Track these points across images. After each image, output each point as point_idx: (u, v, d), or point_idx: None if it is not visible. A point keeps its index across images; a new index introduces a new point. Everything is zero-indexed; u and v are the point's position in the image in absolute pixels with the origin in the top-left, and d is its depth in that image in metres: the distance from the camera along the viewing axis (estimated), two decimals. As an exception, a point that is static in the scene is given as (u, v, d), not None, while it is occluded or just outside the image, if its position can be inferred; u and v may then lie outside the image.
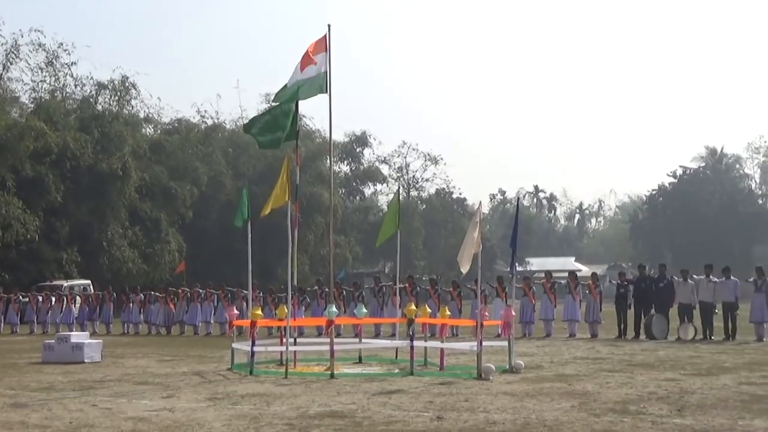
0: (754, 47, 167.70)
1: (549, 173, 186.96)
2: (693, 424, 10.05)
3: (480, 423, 10.24)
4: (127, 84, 57.22)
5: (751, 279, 25.01)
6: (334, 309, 16.61)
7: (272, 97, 20.84)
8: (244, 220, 18.92)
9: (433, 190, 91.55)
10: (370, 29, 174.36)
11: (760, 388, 13.37)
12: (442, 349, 16.83)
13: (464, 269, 15.72)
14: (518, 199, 77.35)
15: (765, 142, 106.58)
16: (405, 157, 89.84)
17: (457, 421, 10.40)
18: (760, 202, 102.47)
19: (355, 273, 70.62)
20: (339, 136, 77.64)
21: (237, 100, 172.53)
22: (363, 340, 20.15)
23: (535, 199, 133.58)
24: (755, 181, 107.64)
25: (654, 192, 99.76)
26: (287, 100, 17.01)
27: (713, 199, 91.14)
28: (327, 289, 26.26)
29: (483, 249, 16.48)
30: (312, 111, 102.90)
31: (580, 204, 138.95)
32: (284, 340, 17.10)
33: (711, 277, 25.10)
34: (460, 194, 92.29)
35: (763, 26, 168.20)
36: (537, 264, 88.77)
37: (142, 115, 60.34)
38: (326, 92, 16.92)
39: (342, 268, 60.41)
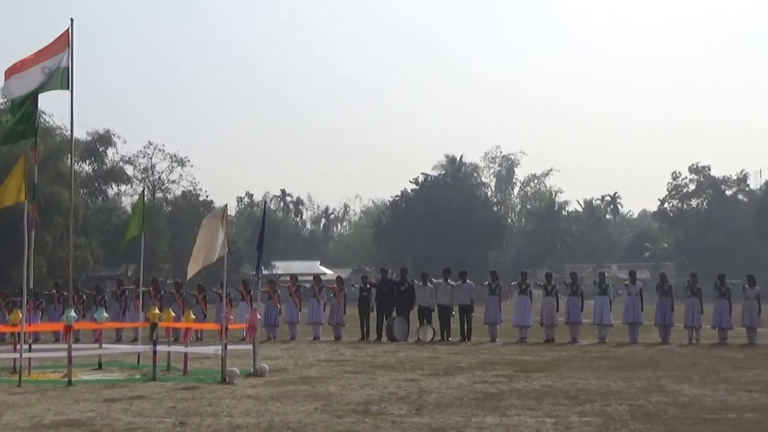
0: (489, 63, 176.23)
1: (296, 178, 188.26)
2: (430, 422, 10.42)
3: (223, 427, 10.15)
4: None
5: (486, 282, 26.29)
6: (72, 313, 15.94)
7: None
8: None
9: (179, 192, 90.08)
10: (114, 24, 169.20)
11: (492, 386, 14.04)
12: (185, 354, 16.57)
13: (189, 275, 15.70)
14: (265, 202, 77.65)
15: (500, 152, 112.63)
16: (151, 158, 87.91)
17: (200, 426, 10.27)
18: (496, 209, 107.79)
19: (96, 276, 68.19)
20: (81, 134, 74.76)
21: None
22: (103, 346, 19.47)
23: (282, 203, 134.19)
24: (491, 189, 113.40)
25: (397, 198, 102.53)
26: (26, 97, 16.19)
27: (452, 206, 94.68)
28: (66, 293, 25.23)
29: (229, 252, 16.35)
30: (53, 107, 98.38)
31: (326, 208, 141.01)
32: (18, 346, 16.27)
33: (449, 280, 26.14)
34: (207, 197, 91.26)
35: (490, 49, 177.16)
36: (283, 267, 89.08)
37: None
38: (67, 88, 16.26)
39: (83, 271, 58.11)
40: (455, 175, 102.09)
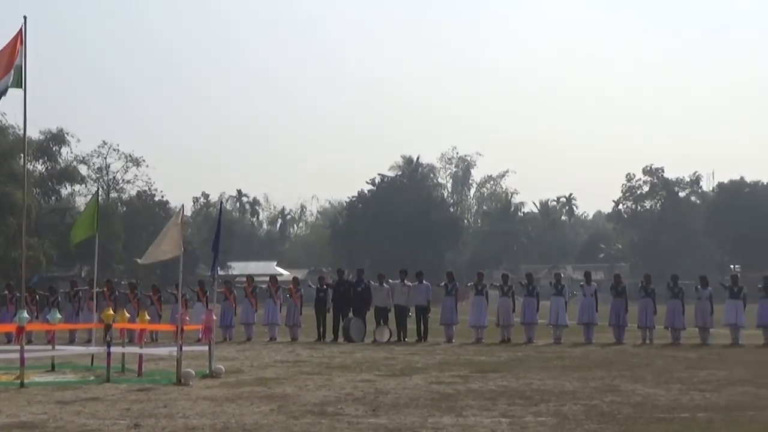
0: (446, 64, 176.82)
1: (252, 178, 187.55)
2: (387, 423, 10.43)
3: (179, 429, 10.09)
4: None
5: (442, 283, 26.37)
6: (25, 314, 15.76)
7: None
8: None
9: (134, 192, 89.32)
10: (68, 21, 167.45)
11: (448, 386, 14.09)
12: (140, 355, 16.44)
13: (142, 262, 15.64)
14: (221, 203, 77.19)
15: (457, 153, 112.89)
16: (105, 158, 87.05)
17: (155, 427, 10.19)
18: (452, 210, 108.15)
19: (49, 276, 67.40)
20: (34, 133, 73.80)
21: None
22: (56, 347, 19.24)
23: (238, 204, 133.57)
24: (447, 190, 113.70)
25: (353, 199, 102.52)
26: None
27: (409, 206, 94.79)
28: (18, 294, 24.92)
29: (185, 253, 16.25)
30: (5, 105, 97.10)
31: (283, 209, 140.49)
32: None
33: (405, 281, 26.19)
34: (163, 197, 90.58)
35: (449, 50, 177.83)
36: (239, 268, 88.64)
37: None
38: (21, 87, 16.06)
39: (36, 272, 57.37)
40: (412, 176, 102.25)
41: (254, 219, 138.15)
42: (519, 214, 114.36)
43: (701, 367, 17.54)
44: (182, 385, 14.37)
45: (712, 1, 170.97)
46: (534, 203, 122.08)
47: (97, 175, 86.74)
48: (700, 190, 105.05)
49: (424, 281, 26.29)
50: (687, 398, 12.71)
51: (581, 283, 26.45)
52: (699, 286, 25.28)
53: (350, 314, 25.66)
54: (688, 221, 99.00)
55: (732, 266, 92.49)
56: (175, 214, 16.93)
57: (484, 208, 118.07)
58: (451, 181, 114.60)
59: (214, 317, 16.44)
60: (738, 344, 23.53)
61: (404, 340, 25.24)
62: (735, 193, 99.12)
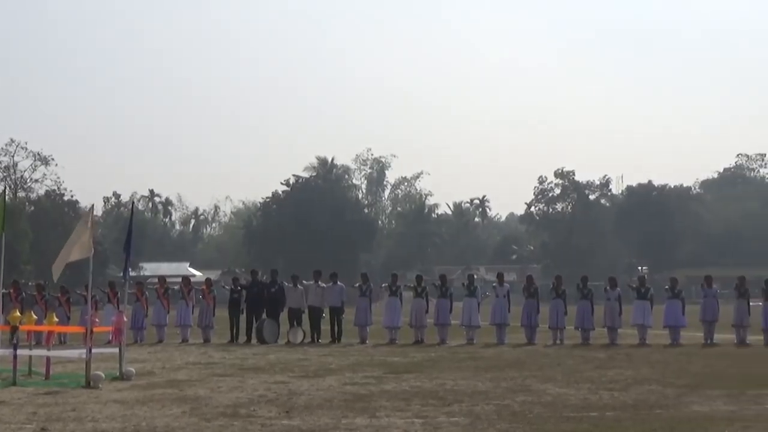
0: (361, 64, 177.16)
1: (165, 178, 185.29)
2: (300, 425, 10.40)
3: (87, 433, 9.92)
4: None
5: (357, 284, 26.40)
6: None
7: None
8: None
9: (42, 192, 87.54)
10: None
11: (362, 387, 14.11)
12: (48, 358, 16.10)
13: (55, 277, 15.33)
14: (133, 203, 76.16)
15: (372, 154, 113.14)
16: (13, 156, 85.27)
17: (63, 431, 10.00)
18: (366, 211, 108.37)
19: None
20: (-63, 131, 71.89)
21: None
22: (-40, 350, 18.76)
23: (150, 204, 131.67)
24: (362, 192, 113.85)
25: (268, 199, 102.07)
26: None
27: (323, 207, 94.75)
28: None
29: (95, 253, 15.97)
30: None
31: (196, 209, 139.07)
32: None
33: (319, 282, 26.15)
34: (72, 197, 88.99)
35: (362, 50, 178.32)
36: (151, 269, 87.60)
37: None
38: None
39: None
40: (326, 177, 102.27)
41: (167, 219, 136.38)
42: (433, 215, 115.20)
43: (610, 366, 17.88)
44: (91, 388, 14.11)
45: (619, 4, 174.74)
46: (448, 205, 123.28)
47: (4, 174, 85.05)
48: (609, 193, 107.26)
49: (338, 282, 26.28)
50: (596, 397, 12.94)
51: (494, 285, 26.74)
52: (608, 287, 25.76)
53: (264, 315, 25.51)
54: (598, 223, 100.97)
55: (640, 268, 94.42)
56: (84, 215, 16.62)
57: (399, 209, 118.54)
58: (365, 182, 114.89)
59: (125, 319, 16.21)
60: (645, 344, 24.04)
61: (318, 341, 25.19)
62: (643, 196, 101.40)
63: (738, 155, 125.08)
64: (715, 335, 24.85)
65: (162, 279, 28.74)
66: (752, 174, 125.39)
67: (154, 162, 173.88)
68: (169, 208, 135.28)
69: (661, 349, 22.66)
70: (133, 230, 17.24)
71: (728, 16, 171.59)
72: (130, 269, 16.74)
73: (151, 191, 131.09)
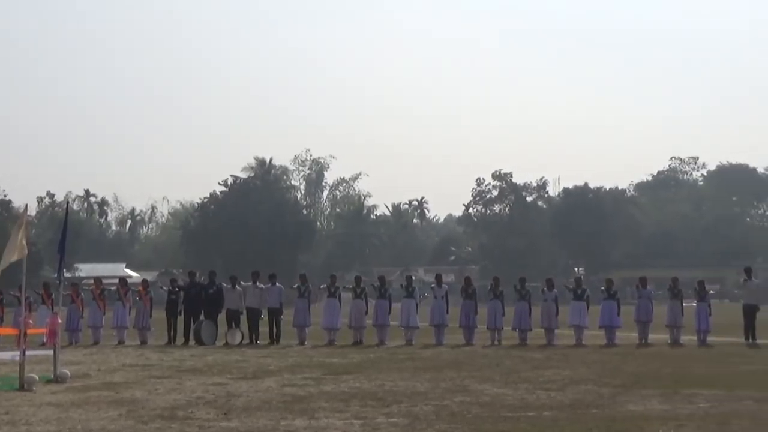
0: (295, 64, 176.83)
1: (100, 178, 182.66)
2: (238, 427, 10.35)
3: (21, 436, 9.77)
4: None
5: (295, 285, 26.34)
6: None
7: None
8: None
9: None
10: None
11: (301, 389, 14.09)
12: (-20, 360, 15.83)
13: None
14: (67, 203, 75.09)
15: (310, 155, 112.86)
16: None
17: (-4, 435, 9.85)
18: (305, 212, 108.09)
19: None
20: None
21: None
22: None
23: (85, 204, 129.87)
24: (301, 193, 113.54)
25: (206, 200, 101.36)
26: None
27: (262, 208, 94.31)
28: None
29: (29, 254, 15.71)
30: None
31: (133, 210, 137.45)
32: None
33: (258, 283, 26.04)
34: (5, 196, 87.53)
35: (294, 50, 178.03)
36: (86, 270, 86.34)
37: None
38: None
39: None
40: (265, 178, 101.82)
41: (102, 220, 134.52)
42: (372, 216, 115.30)
43: (547, 367, 18.07)
44: (25, 390, 13.90)
45: (555, 2, 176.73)
46: (386, 206, 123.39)
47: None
48: (546, 195, 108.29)
49: (276, 283, 26.20)
50: (533, 397, 13.07)
51: (432, 286, 26.85)
52: (545, 288, 26.04)
53: (202, 317, 25.35)
54: (536, 225, 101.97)
55: (576, 269, 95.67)
56: (19, 216, 16.37)
57: (338, 210, 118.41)
58: (304, 183, 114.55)
59: (60, 320, 15.96)
60: (581, 344, 24.32)
61: (257, 342, 25.09)
62: (579, 198, 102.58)
63: (671, 158, 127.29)
64: (649, 335, 25.25)
65: (98, 280, 28.38)
66: (685, 177, 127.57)
67: (89, 162, 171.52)
68: (105, 208, 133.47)
69: (597, 350, 22.94)
70: (67, 230, 17.03)
71: (661, 16, 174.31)
72: (64, 270, 16.54)
73: (87, 191, 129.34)
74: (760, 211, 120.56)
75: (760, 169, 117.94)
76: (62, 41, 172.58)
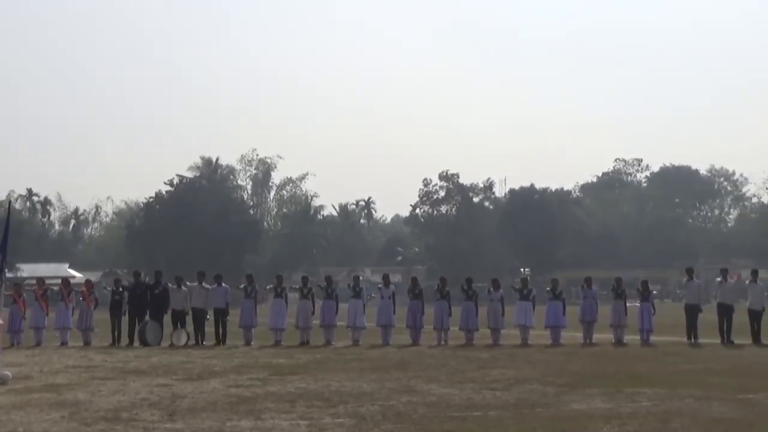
0: (246, 64, 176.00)
1: (43, 177, 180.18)
2: (184, 428, 10.29)
3: (-39, 440, 9.61)
4: None
5: (242, 286, 26.25)
6: None
7: None
8: None
9: None
10: None
11: (247, 390, 14.04)
12: None
13: None
14: (9, 202, 73.87)
15: (257, 155, 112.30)
16: None
17: (-65, 439, 9.68)
18: (252, 212, 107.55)
19: None
20: None
21: None
22: None
23: (28, 203, 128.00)
24: (247, 192, 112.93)
25: (151, 199, 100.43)
26: None
27: (208, 208, 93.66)
28: None
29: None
30: None
31: (76, 209, 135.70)
32: None
33: (204, 283, 25.92)
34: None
35: (249, 49, 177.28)
36: (29, 270, 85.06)
37: None
38: None
39: None
40: (211, 178, 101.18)
41: (45, 219, 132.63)
42: (318, 217, 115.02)
43: (493, 366, 18.18)
44: (-35, 393, 13.69)
45: (502, 5, 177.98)
46: (333, 206, 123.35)
47: None
48: (493, 196, 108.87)
49: (222, 284, 26.11)
50: (479, 397, 13.15)
51: (379, 286, 26.93)
52: (491, 289, 26.17)
53: (147, 317, 25.14)
54: (482, 226, 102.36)
55: (522, 269, 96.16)
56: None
57: (284, 210, 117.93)
58: (251, 183, 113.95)
59: (1, 321, 15.74)
60: (527, 344, 24.50)
61: (202, 343, 24.95)
62: (525, 199, 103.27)
63: (616, 160, 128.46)
64: (593, 335, 25.50)
65: (40, 280, 28.04)
66: (629, 178, 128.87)
67: (32, 160, 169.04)
68: (48, 207, 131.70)
69: (542, 349, 23.13)
70: (9, 230, 16.77)
71: (600, 16, 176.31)
72: (6, 270, 16.27)
73: (29, 190, 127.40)
74: (702, 213, 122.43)
75: (703, 171, 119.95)
76: (6, 37, 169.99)
